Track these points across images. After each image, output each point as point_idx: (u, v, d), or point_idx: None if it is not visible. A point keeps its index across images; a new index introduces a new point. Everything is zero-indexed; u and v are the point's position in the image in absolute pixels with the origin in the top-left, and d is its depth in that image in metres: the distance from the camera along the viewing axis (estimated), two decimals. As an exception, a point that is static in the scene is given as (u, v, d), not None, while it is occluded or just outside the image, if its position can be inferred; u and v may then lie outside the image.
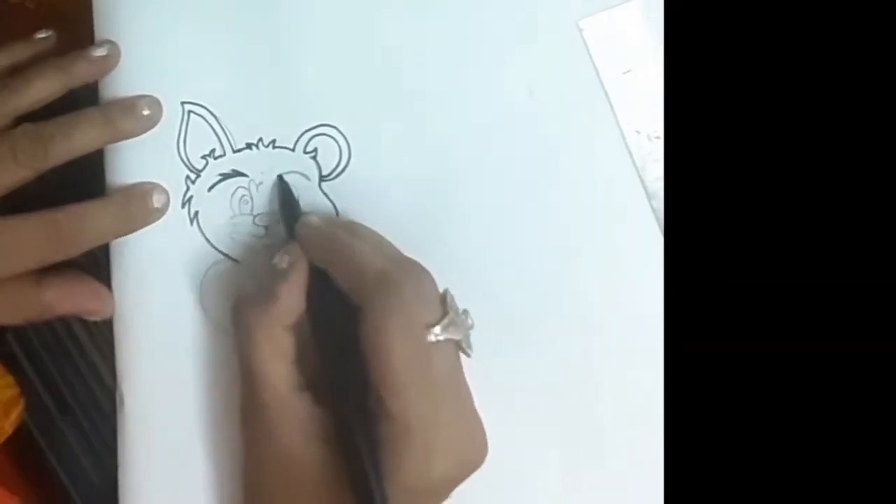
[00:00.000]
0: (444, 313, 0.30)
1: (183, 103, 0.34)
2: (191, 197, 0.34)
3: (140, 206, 0.34)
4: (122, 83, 0.34)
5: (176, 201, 0.34)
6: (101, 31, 0.34)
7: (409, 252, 0.34)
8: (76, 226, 0.32)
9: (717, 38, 0.26)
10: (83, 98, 0.34)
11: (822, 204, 0.25)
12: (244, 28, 0.35)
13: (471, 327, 0.31)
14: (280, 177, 0.35)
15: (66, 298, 0.33)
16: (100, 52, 0.34)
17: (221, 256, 0.34)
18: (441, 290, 0.31)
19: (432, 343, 0.29)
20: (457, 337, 0.30)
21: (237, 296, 0.32)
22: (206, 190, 0.35)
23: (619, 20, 0.35)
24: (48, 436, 0.36)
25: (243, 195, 0.35)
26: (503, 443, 0.31)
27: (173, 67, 0.35)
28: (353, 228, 0.33)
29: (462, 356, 0.30)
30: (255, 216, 0.35)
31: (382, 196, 0.35)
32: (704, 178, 0.26)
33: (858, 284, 0.25)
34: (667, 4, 0.30)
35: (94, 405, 0.36)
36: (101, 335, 0.36)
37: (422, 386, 0.28)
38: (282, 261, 0.32)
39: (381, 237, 0.33)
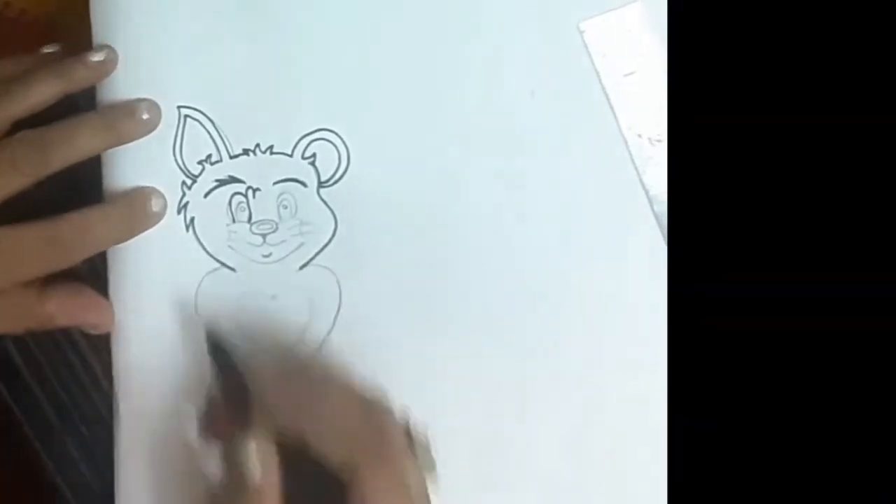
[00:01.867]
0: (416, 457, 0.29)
1: (179, 108, 0.34)
2: (187, 203, 0.34)
3: (140, 211, 0.34)
4: (120, 88, 0.34)
5: (172, 207, 0.34)
6: (98, 36, 0.34)
7: (408, 255, 0.34)
8: (76, 234, 0.32)
9: (722, 40, 0.26)
10: (81, 102, 0.34)
11: (829, 205, 0.25)
12: (242, 32, 0.35)
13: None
14: (208, 330, 0.33)
15: (67, 310, 0.33)
16: (97, 57, 0.34)
17: (217, 264, 0.34)
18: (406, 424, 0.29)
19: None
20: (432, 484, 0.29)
21: None
22: (202, 196, 0.34)
23: (620, 22, 0.34)
24: (46, 442, 0.36)
25: (240, 202, 0.34)
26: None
27: (170, 72, 0.34)
28: (320, 385, 0.31)
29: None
30: (252, 223, 0.34)
31: (382, 201, 0.34)
32: (708, 182, 0.25)
33: (870, 290, 0.24)
34: (670, 7, 0.29)
35: (93, 412, 0.36)
36: (100, 342, 0.36)
37: None
38: (254, 473, 0.28)
39: (350, 391, 0.30)
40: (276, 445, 0.28)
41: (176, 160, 0.34)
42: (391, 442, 0.28)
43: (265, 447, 0.28)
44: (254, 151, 0.35)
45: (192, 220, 0.34)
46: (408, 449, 0.28)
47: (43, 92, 0.33)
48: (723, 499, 0.25)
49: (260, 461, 0.28)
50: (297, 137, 0.34)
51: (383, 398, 0.30)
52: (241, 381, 0.31)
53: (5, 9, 0.39)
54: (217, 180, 0.34)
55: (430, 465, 0.29)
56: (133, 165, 0.34)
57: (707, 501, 0.25)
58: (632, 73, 0.34)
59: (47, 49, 0.35)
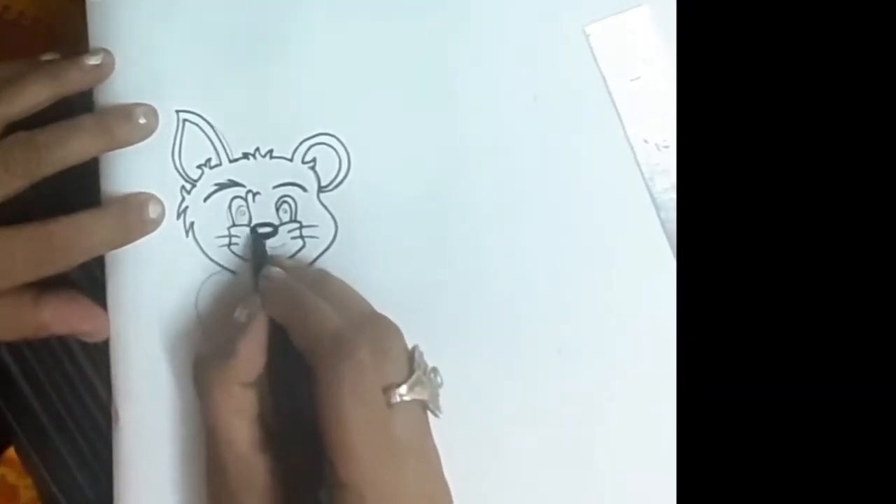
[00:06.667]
0: (411, 372, 0.29)
1: (178, 112, 0.34)
2: (186, 207, 0.34)
3: (136, 217, 0.33)
4: (117, 91, 0.34)
5: (171, 212, 0.34)
6: (95, 40, 0.34)
7: (409, 261, 0.33)
8: (70, 238, 0.32)
9: (731, 43, 0.26)
10: (78, 105, 0.34)
11: (837, 210, 0.24)
12: (241, 35, 0.34)
13: (439, 386, 0.30)
14: (253, 229, 0.34)
15: (62, 319, 0.33)
16: (94, 60, 0.33)
17: (218, 268, 0.34)
18: (410, 346, 0.30)
19: (396, 404, 0.28)
20: (423, 397, 0.29)
21: (197, 352, 0.32)
22: (201, 200, 0.34)
23: (626, 26, 0.34)
24: (43, 451, 0.36)
25: (240, 205, 0.34)
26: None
27: (168, 75, 0.34)
28: (320, 282, 0.32)
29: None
30: (252, 226, 0.34)
31: (383, 206, 0.34)
32: (716, 189, 0.25)
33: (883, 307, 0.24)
34: (679, 10, 0.29)
35: (90, 420, 0.36)
36: (97, 349, 0.35)
37: (379, 452, 0.28)
38: (241, 315, 0.31)
39: (349, 292, 0.32)
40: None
41: (175, 165, 0.34)
42: (355, 345, 0.28)
43: (258, 306, 0.31)
44: (253, 155, 0.34)
45: (192, 224, 0.34)
46: (382, 358, 0.29)
47: (37, 94, 0.33)
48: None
49: (250, 314, 0.31)
50: (297, 142, 0.34)
51: (371, 315, 0.31)
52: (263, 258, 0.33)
53: (4, 11, 0.38)
54: (217, 184, 0.34)
55: (432, 396, 0.30)
56: (131, 170, 0.34)
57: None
58: (638, 78, 0.34)
59: (46, 57, 0.35)
